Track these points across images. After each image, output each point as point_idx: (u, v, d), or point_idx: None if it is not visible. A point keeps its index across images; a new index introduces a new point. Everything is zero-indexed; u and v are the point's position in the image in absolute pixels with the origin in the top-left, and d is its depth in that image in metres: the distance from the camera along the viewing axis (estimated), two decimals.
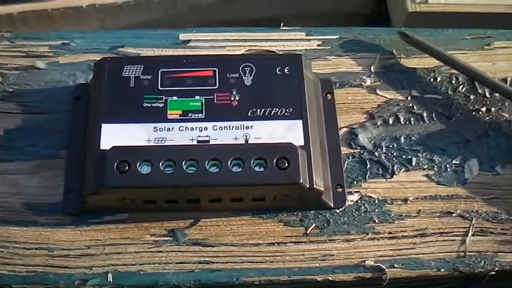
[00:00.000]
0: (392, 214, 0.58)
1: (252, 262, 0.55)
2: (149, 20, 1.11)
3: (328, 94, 0.62)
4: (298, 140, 0.55)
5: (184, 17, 1.12)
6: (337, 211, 0.58)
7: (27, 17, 1.06)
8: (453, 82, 0.65)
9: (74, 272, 0.54)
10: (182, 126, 0.56)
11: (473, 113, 0.63)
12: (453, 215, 0.58)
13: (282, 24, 0.68)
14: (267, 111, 0.56)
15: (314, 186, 0.54)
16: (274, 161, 0.53)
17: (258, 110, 0.57)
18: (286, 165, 0.53)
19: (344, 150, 0.60)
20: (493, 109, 0.63)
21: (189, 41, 0.66)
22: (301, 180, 0.53)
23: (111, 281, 0.54)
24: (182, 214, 0.57)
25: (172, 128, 0.56)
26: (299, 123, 0.56)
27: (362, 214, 0.58)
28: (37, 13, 1.05)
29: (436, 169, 0.60)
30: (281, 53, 0.65)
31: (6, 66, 0.64)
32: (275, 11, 1.13)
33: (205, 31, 0.67)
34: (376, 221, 0.57)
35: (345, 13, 1.15)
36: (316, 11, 1.14)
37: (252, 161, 0.53)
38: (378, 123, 0.62)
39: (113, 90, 0.57)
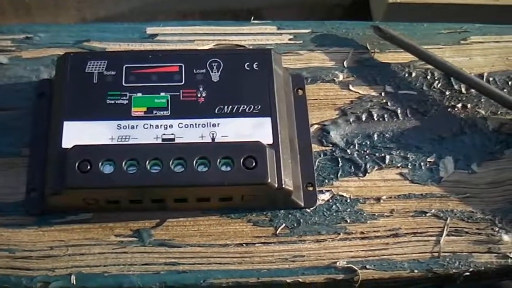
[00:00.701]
0: (365, 214, 0.56)
1: (220, 263, 0.54)
2: (127, 11, 1.10)
3: (299, 90, 0.61)
4: (267, 138, 0.54)
5: (163, 8, 1.10)
6: (308, 210, 0.56)
7: (4, 7, 1.04)
8: (428, 77, 0.63)
9: (36, 274, 0.53)
10: (147, 124, 0.54)
11: (449, 109, 0.62)
12: (427, 214, 0.57)
13: (252, 18, 0.66)
14: (235, 108, 0.55)
15: (283, 186, 0.53)
16: (241, 160, 0.52)
17: (226, 107, 0.55)
18: (254, 164, 0.52)
19: (316, 147, 0.59)
20: (469, 106, 0.62)
21: (156, 35, 0.64)
22: (269, 180, 0.52)
23: (74, 283, 0.53)
24: (148, 214, 0.55)
25: (136, 125, 0.54)
26: (267, 120, 0.55)
27: (334, 214, 0.56)
28: (14, 3, 1.04)
29: (410, 167, 0.59)
30: (251, 47, 0.64)
31: None
32: (255, 2, 1.12)
33: (172, 25, 0.65)
34: (348, 221, 0.56)
35: (326, 4, 1.14)
36: (296, 2, 1.13)
37: (218, 160, 0.52)
38: (351, 120, 0.61)
39: (76, 86, 0.55)
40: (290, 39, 0.65)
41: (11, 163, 0.57)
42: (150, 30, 0.65)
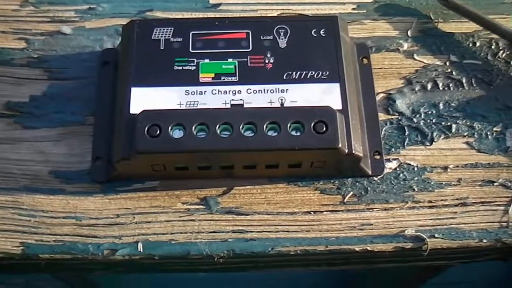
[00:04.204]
0: (432, 183, 0.56)
1: (288, 231, 0.54)
2: None
3: (364, 59, 0.60)
4: (336, 104, 0.53)
5: None
6: (375, 179, 0.56)
7: None
8: (493, 47, 0.62)
9: (103, 241, 0.53)
10: (215, 90, 0.54)
11: None
12: (495, 184, 0.56)
13: None
14: (303, 74, 0.54)
15: (353, 152, 0.52)
16: (312, 125, 0.51)
17: (294, 73, 0.54)
18: (324, 129, 0.51)
19: (382, 116, 0.58)
20: None
21: (219, 4, 0.64)
22: (340, 145, 0.51)
23: (141, 250, 0.52)
24: (215, 182, 0.55)
25: (205, 91, 0.54)
26: (336, 86, 0.54)
27: (401, 182, 0.56)
28: None
29: (477, 136, 0.58)
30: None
31: (31, 31, 0.62)
32: None
33: None
34: (416, 189, 0.55)
35: None
36: None
37: (288, 125, 0.51)
38: (416, 89, 0.60)
39: (143, 53, 0.55)
40: (353, 9, 0.64)
41: (76, 132, 0.57)
42: None
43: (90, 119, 0.57)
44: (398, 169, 0.56)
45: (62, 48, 0.61)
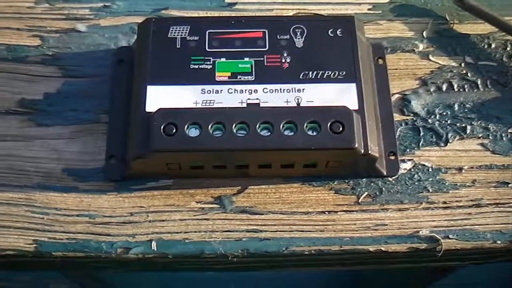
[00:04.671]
0: (447, 183, 0.56)
1: (302, 231, 0.53)
2: None
3: (379, 59, 0.60)
4: (352, 104, 0.53)
5: None
6: (390, 179, 0.56)
7: None
8: (508, 49, 0.62)
9: (116, 240, 0.53)
10: (231, 89, 0.54)
11: None
12: (510, 185, 0.56)
13: None
14: (320, 74, 0.54)
15: (369, 152, 0.52)
16: (328, 125, 0.51)
17: (310, 72, 0.54)
18: (341, 129, 0.51)
19: (397, 116, 0.58)
20: None
21: (235, 3, 0.64)
22: (356, 145, 0.51)
23: (155, 249, 0.52)
24: (229, 181, 0.55)
25: (221, 90, 0.53)
26: (353, 86, 0.54)
27: (416, 183, 0.55)
28: None
29: (491, 138, 0.58)
30: None
31: (46, 29, 0.62)
32: None
33: None
34: (430, 190, 0.55)
35: None
36: None
37: (305, 124, 0.51)
38: (431, 90, 0.60)
39: (159, 51, 0.55)
40: (369, 9, 0.64)
41: (90, 130, 0.57)
42: None
43: (104, 117, 0.57)
44: (412, 169, 0.56)
45: (76, 46, 0.61)
